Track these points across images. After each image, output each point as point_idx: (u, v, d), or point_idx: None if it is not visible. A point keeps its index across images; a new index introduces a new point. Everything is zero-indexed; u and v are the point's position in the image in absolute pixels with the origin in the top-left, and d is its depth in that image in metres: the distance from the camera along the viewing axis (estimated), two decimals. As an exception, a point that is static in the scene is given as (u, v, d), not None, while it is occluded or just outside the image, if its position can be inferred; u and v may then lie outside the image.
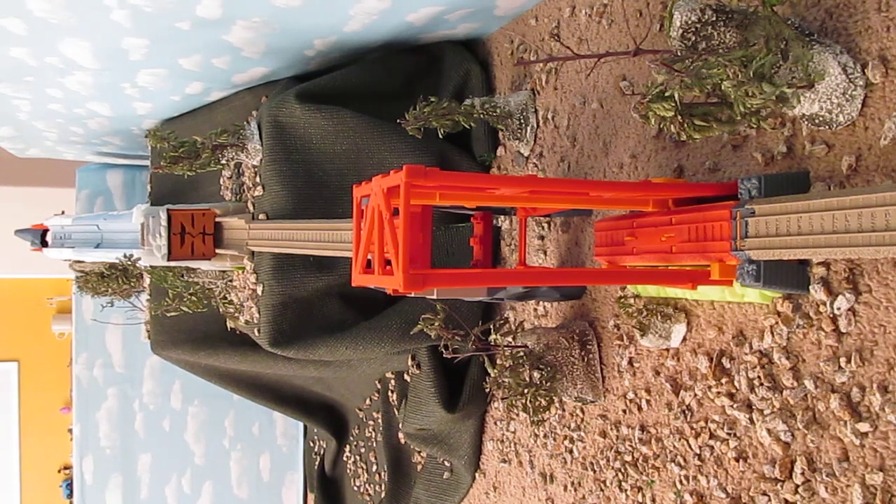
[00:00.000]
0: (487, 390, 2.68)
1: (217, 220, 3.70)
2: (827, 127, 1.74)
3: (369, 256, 2.01)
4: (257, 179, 3.50)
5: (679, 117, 1.65)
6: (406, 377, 3.72)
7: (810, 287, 1.77)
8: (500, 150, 3.27)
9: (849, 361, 1.67)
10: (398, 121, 2.78)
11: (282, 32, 3.21)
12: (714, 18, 1.68)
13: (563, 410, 2.83)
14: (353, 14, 3.04)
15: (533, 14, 3.07)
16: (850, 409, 1.67)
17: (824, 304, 1.74)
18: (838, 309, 1.71)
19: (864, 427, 1.64)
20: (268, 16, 3.02)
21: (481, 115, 2.98)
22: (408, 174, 1.76)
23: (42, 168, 6.64)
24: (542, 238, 2.95)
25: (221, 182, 4.05)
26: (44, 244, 4.80)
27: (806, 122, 1.79)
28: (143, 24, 3.01)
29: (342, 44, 3.37)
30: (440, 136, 2.82)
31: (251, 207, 3.59)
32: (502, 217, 3.15)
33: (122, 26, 3.03)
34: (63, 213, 4.93)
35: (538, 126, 3.03)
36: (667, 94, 1.61)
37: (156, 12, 2.89)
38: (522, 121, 3.05)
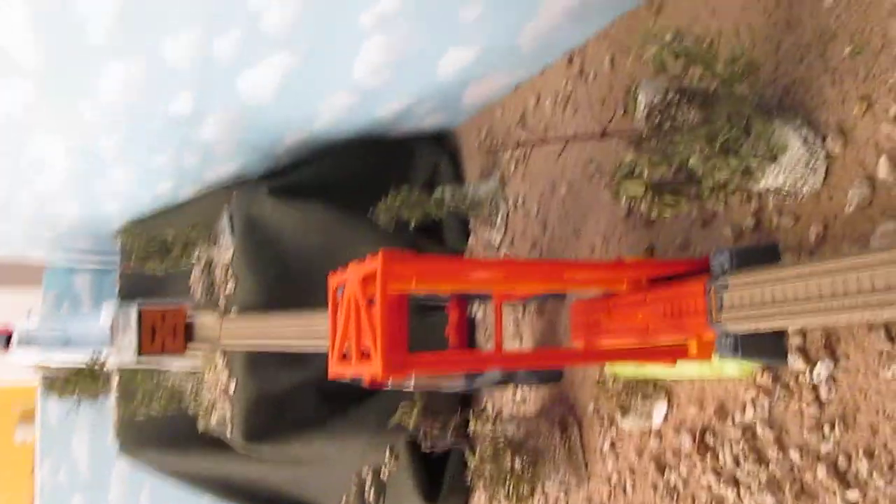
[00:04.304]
0: (469, 480, 2.63)
1: (188, 316, 3.67)
2: (792, 198, 1.78)
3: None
4: (229, 274, 3.49)
5: (649, 194, 1.68)
6: (384, 472, 3.64)
7: (788, 357, 1.78)
8: (471, 239, 3.30)
9: (832, 429, 1.67)
10: (369, 214, 2.81)
11: (253, 129, 3.26)
12: (677, 99, 1.74)
13: (547, 497, 2.78)
14: (323, 110, 3.10)
15: (499, 105, 3.15)
16: (837, 477, 1.66)
17: (803, 372, 1.75)
18: (818, 376, 1.71)
19: (853, 495, 1.62)
20: (239, 113, 3.06)
21: (452, 205, 3.02)
22: (384, 259, 1.76)
23: (8, 269, 6.56)
24: (517, 324, 2.95)
25: (192, 278, 4.02)
26: (8, 346, 4.70)
27: (772, 195, 1.83)
28: (115, 121, 3.04)
29: (313, 139, 3.42)
30: (412, 226, 2.84)
31: (223, 303, 3.57)
32: (477, 304, 3.15)
33: (95, 125, 3.06)
34: (29, 313, 4.85)
35: (509, 213, 3.07)
36: (636, 172, 1.65)
37: (129, 110, 2.92)
38: (493, 208, 3.09)
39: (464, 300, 2.82)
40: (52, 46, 2.39)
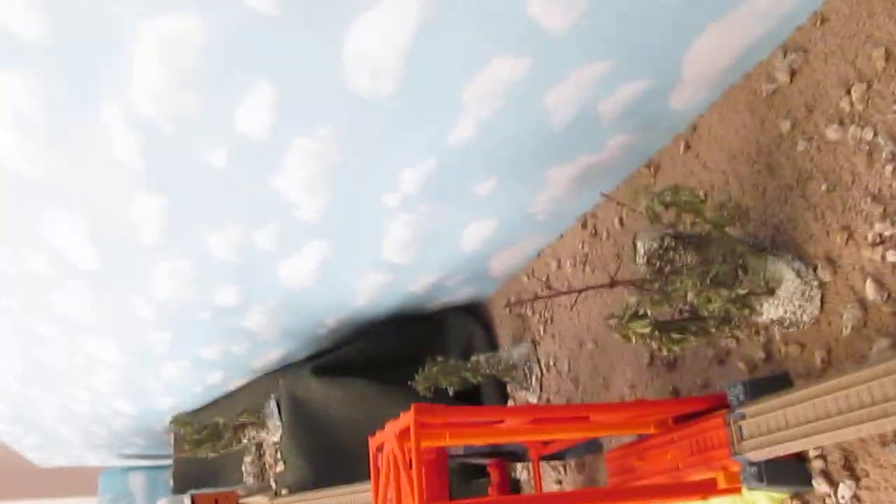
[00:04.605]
0: None
1: (240, 501, 3.74)
2: (795, 328, 1.89)
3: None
4: (278, 456, 3.59)
5: (656, 333, 1.81)
6: None
7: (812, 481, 1.83)
8: (509, 402, 3.39)
9: (862, 548, 1.70)
10: (409, 383, 2.94)
11: (296, 314, 3.46)
12: (673, 244, 1.89)
13: None
14: (361, 290, 3.30)
15: (525, 272, 3.33)
16: None
17: (829, 496, 1.80)
18: (843, 498, 1.76)
19: None
20: (282, 299, 3.27)
21: (487, 370, 3.14)
22: (416, 412, 1.88)
23: (62, 477, 6.69)
24: (559, 483, 2.99)
25: (244, 466, 4.12)
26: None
27: (776, 327, 1.94)
28: (166, 317, 3.26)
29: (352, 319, 3.61)
30: (450, 394, 2.95)
31: (274, 484, 3.65)
32: (520, 467, 3.20)
33: (148, 321, 3.28)
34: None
35: (542, 374, 3.18)
36: (640, 312, 1.78)
37: (178, 305, 3.15)
38: (527, 371, 3.21)
39: (504, 458, 2.89)
40: (107, 249, 2.64)
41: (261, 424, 3.49)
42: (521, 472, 3.24)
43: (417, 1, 1.68)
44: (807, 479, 1.84)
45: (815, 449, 1.83)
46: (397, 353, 3.66)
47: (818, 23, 1.85)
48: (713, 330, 1.88)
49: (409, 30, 1.76)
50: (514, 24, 1.79)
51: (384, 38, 1.78)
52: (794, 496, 1.89)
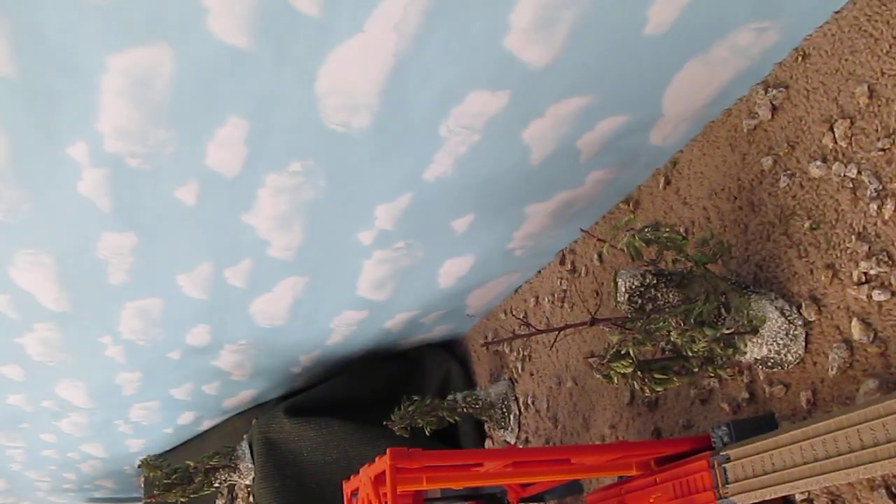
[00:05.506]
0: None
1: (211, 546, 3.63)
2: (780, 367, 1.85)
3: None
4: (251, 499, 3.49)
5: (639, 373, 1.76)
6: None
7: (800, 526, 1.78)
8: (487, 442, 3.32)
9: None
10: (385, 423, 2.87)
11: (268, 352, 3.38)
12: (655, 282, 1.85)
13: None
14: (334, 327, 3.23)
15: (502, 308, 3.28)
16: None
17: (817, 541, 1.75)
18: (831, 544, 1.71)
19: None
20: (253, 337, 3.19)
21: (464, 409, 3.07)
22: (392, 456, 1.82)
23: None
24: (539, 525, 2.92)
25: (215, 508, 4.02)
26: None
27: (760, 367, 1.90)
28: (135, 357, 3.17)
29: (326, 357, 3.53)
30: (427, 433, 2.88)
31: (246, 529, 3.55)
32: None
33: (116, 362, 3.19)
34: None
35: (520, 412, 3.11)
36: (622, 352, 1.73)
37: (148, 344, 3.06)
38: (505, 409, 3.14)
39: (482, 501, 2.82)
40: (74, 289, 2.56)
41: (233, 467, 3.39)
42: (499, 514, 3.16)
43: (393, 35, 1.64)
44: (794, 524, 1.79)
45: (801, 493, 1.78)
46: (372, 392, 3.58)
47: (799, 59, 1.83)
48: (696, 370, 1.83)
49: (385, 63, 1.72)
50: (491, 58, 1.76)
51: (359, 72, 1.74)
52: (782, 541, 1.84)
